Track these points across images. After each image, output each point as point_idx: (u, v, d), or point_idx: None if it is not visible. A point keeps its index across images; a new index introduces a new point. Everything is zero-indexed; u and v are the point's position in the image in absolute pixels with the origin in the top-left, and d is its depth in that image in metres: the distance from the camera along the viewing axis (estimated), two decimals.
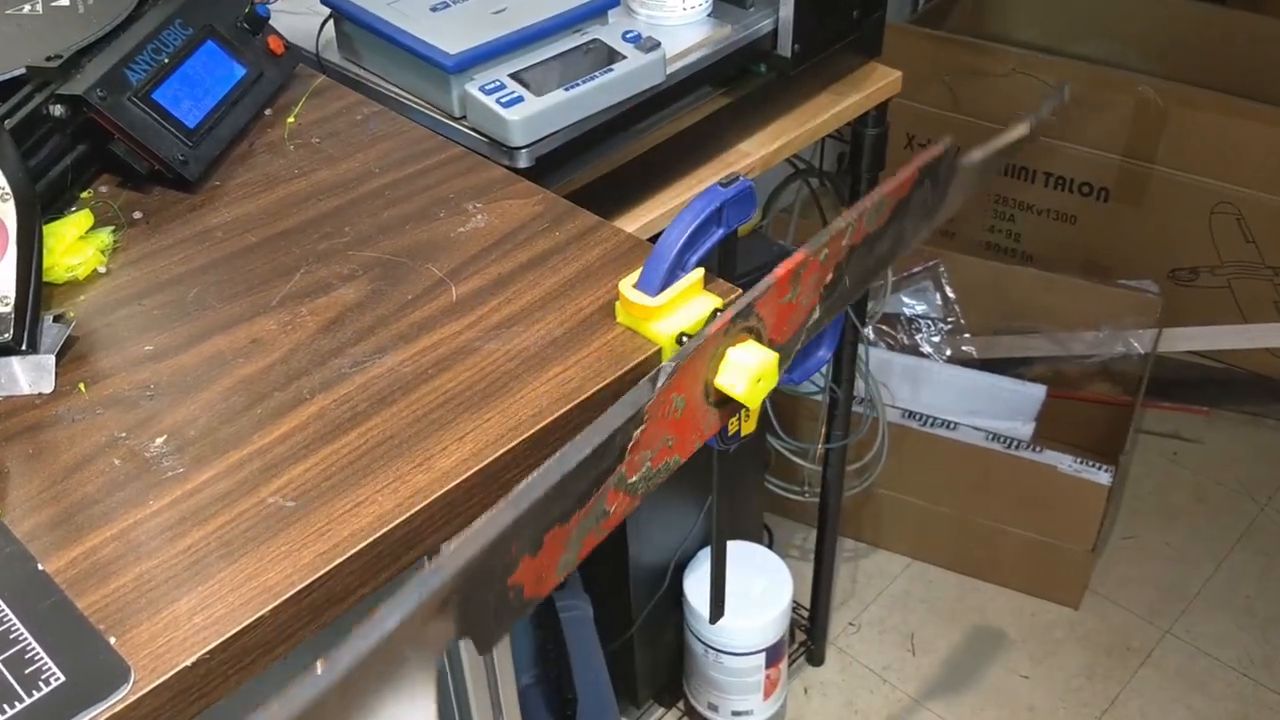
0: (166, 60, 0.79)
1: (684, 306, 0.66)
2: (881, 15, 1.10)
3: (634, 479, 0.55)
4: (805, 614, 1.68)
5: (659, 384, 0.53)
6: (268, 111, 0.85)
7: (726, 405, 0.65)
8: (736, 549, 1.50)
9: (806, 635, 1.69)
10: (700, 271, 0.66)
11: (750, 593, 1.45)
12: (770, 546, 1.79)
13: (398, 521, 0.54)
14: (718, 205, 0.66)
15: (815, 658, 1.70)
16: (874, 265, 0.64)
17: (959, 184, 0.67)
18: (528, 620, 1.35)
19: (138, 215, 0.75)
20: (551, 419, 0.60)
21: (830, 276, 0.62)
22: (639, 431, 0.53)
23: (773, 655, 1.47)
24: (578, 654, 1.32)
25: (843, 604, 1.78)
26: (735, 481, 1.54)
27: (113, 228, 0.73)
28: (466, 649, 0.75)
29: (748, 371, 0.62)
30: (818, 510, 1.57)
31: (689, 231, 0.65)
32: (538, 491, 0.47)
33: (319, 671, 0.40)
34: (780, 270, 0.58)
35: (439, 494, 0.55)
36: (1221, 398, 2.03)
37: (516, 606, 0.49)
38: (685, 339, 0.65)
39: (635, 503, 0.55)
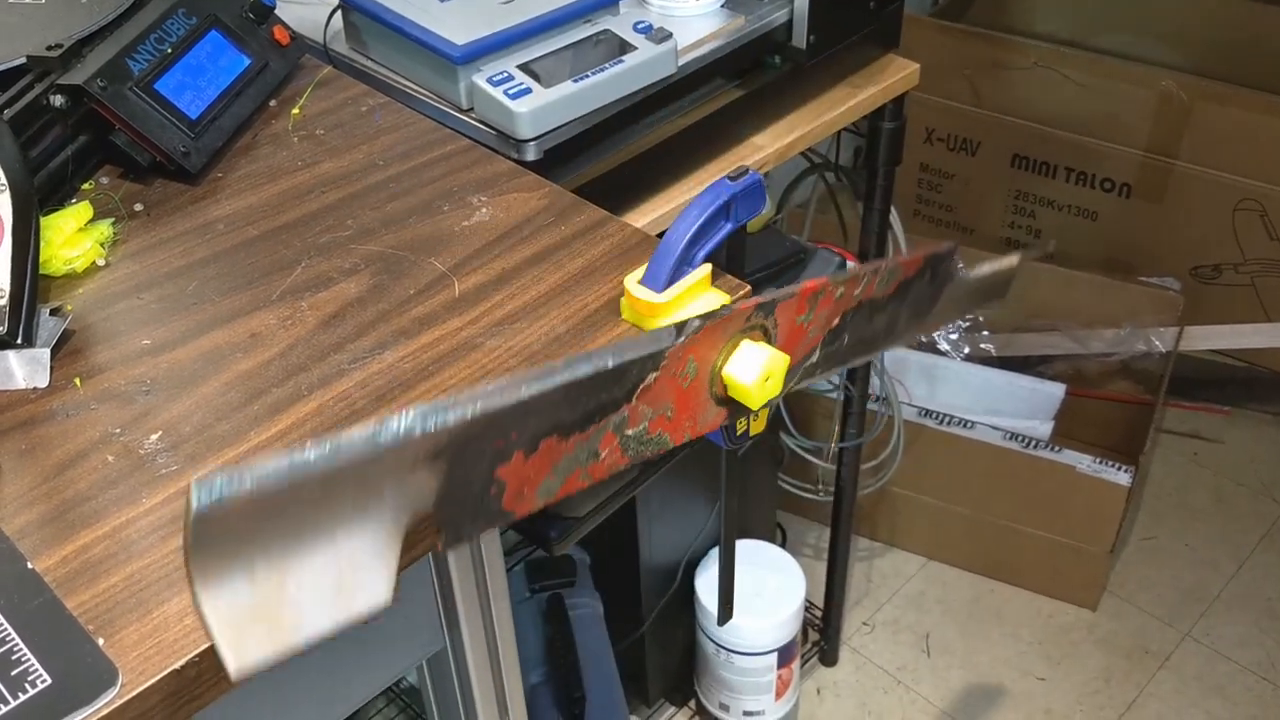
0: (169, 50, 0.78)
1: (690, 303, 0.64)
2: (899, 5, 1.08)
3: (630, 431, 0.54)
4: (818, 614, 1.67)
5: (683, 335, 0.53)
6: (272, 102, 0.84)
7: (729, 404, 0.63)
8: (749, 548, 1.49)
9: (820, 635, 1.68)
10: (707, 267, 0.65)
11: (762, 592, 1.44)
12: (783, 545, 1.77)
13: None
14: (726, 199, 0.64)
15: (828, 658, 1.68)
16: (866, 339, 0.65)
17: (950, 294, 0.68)
18: (537, 617, 1.34)
19: (138, 207, 0.74)
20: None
21: (836, 322, 0.61)
22: (653, 377, 0.52)
23: (785, 655, 1.45)
24: (587, 652, 1.31)
25: (856, 604, 1.76)
26: (748, 480, 1.52)
27: (112, 220, 0.72)
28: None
29: (757, 366, 0.61)
30: (831, 509, 1.55)
31: (695, 226, 0.63)
32: (550, 383, 0.47)
33: (308, 453, 0.40)
34: (806, 285, 0.57)
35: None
36: (1243, 397, 2.00)
37: (494, 509, 0.48)
38: None
39: (621, 463, 0.55)
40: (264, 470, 0.39)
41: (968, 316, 0.70)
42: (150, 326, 0.65)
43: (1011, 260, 0.72)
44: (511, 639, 0.88)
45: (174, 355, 0.63)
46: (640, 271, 0.65)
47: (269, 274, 0.68)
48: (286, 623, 0.42)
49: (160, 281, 0.68)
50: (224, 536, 0.40)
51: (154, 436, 0.58)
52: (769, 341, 0.65)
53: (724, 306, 0.58)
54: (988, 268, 0.71)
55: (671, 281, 0.64)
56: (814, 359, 0.62)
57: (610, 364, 0.49)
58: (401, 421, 0.42)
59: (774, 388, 0.64)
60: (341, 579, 0.43)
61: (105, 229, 0.71)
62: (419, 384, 0.60)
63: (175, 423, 0.58)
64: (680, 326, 0.53)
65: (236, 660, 0.40)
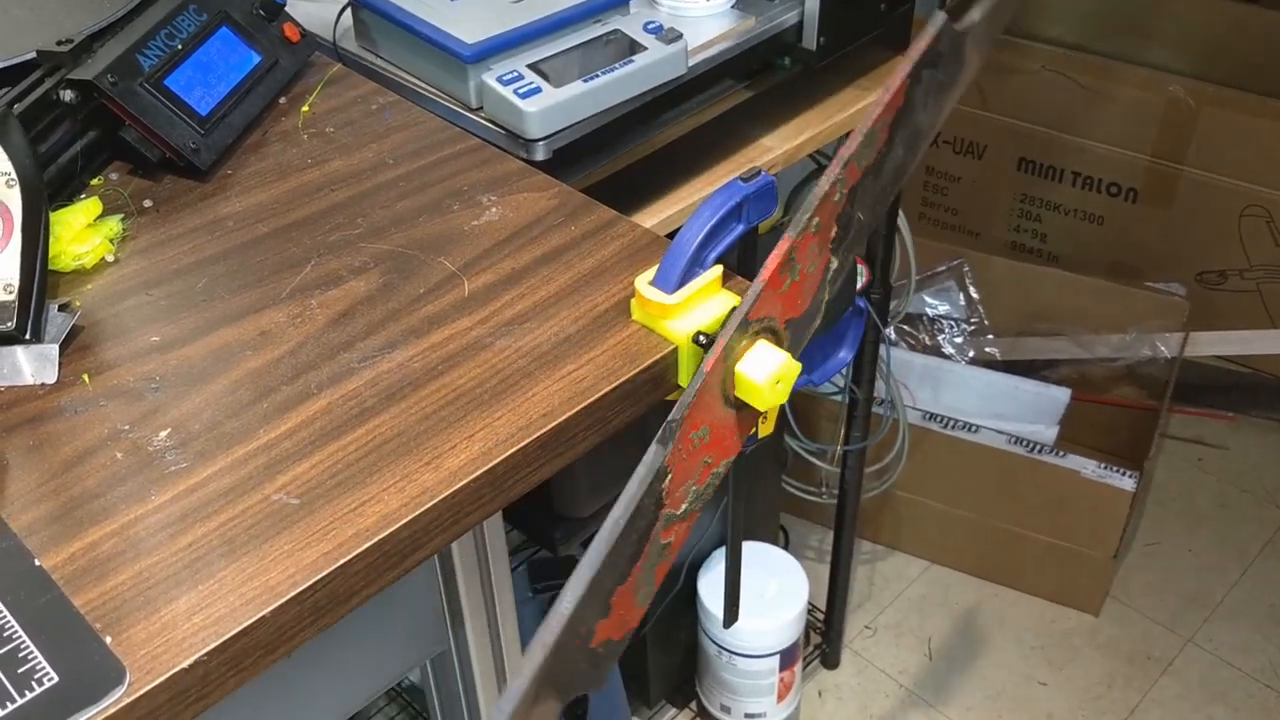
0: (180, 46, 0.78)
1: (701, 304, 0.64)
2: (910, 7, 1.08)
3: (682, 509, 0.56)
4: (821, 616, 1.66)
5: (669, 444, 0.55)
6: (282, 100, 0.84)
7: (746, 409, 0.63)
8: (752, 550, 1.48)
9: (822, 638, 1.67)
10: (719, 269, 0.64)
11: (765, 594, 1.43)
12: (786, 548, 1.77)
13: (404, 522, 0.52)
14: (738, 200, 0.64)
15: (830, 661, 1.68)
16: (894, 173, 0.61)
17: (972, 44, 0.62)
18: (540, 617, 1.34)
19: (148, 203, 0.74)
20: (563, 419, 0.58)
21: (835, 230, 0.59)
22: (667, 483, 0.55)
23: (787, 658, 1.45)
24: None
25: (859, 607, 1.76)
26: (752, 482, 1.52)
27: (122, 216, 0.72)
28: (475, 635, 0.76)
29: (770, 368, 0.60)
30: (835, 512, 1.55)
31: (708, 227, 0.63)
32: (581, 588, 0.52)
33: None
34: (766, 271, 0.56)
35: (446, 494, 0.54)
36: (1248, 403, 2.00)
37: (611, 651, 0.54)
38: (702, 338, 0.63)
39: (692, 521, 0.57)
40: None
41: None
42: (159, 323, 0.65)
43: None
44: (515, 639, 0.87)
45: (183, 352, 0.62)
46: (651, 272, 0.64)
47: (279, 271, 0.68)
48: None
49: (169, 278, 0.68)
50: None
51: (163, 434, 0.58)
52: (779, 344, 0.64)
53: (693, 377, 0.58)
54: None
55: (683, 282, 0.63)
56: (834, 265, 0.61)
57: (619, 531, 0.53)
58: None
59: (783, 393, 0.64)
60: None
61: (114, 225, 0.71)
62: (429, 383, 0.60)
63: (184, 420, 0.58)
64: (664, 435, 0.55)
65: None
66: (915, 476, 1.68)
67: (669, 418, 0.55)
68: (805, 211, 0.56)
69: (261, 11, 0.84)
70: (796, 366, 0.63)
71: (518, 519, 1.14)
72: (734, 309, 0.62)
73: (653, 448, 0.55)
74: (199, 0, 0.81)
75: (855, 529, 1.57)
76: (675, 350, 0.63)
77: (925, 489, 1.73)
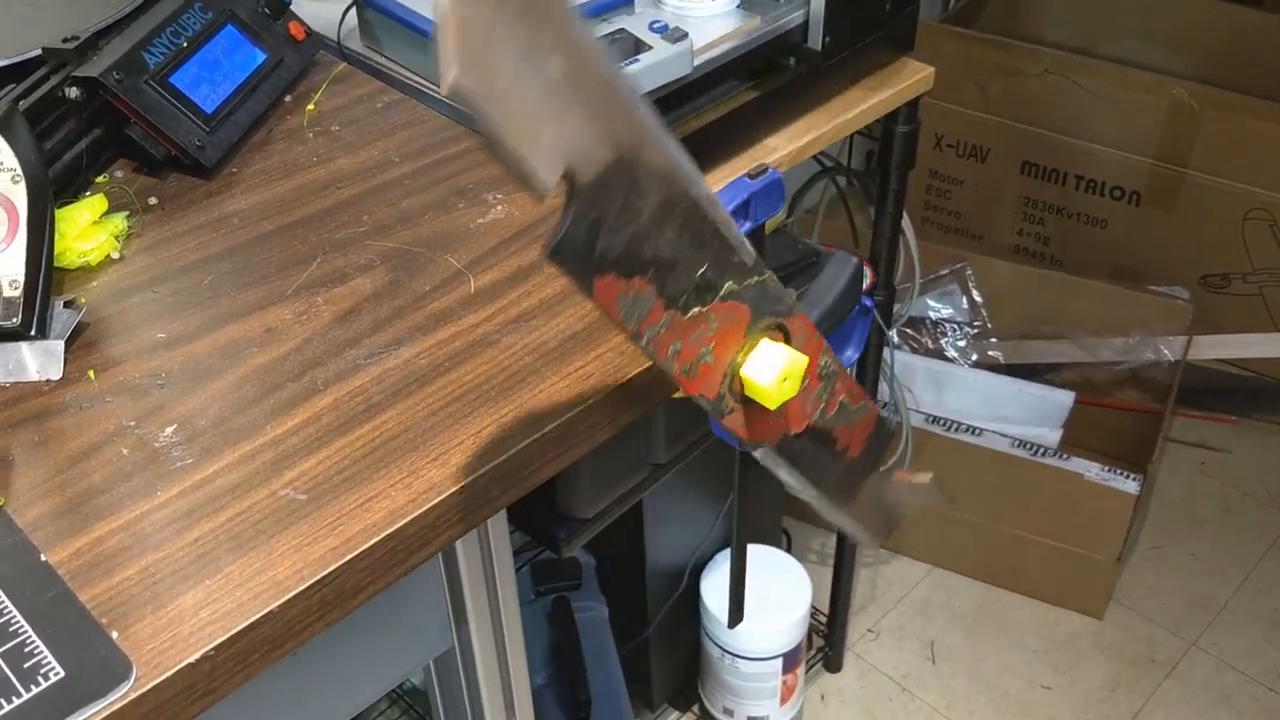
0: (185, 44, 0.78)
1: None
2: (915, 9, 1.08)
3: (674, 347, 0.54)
4: (823, 620, 1.66)
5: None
6: (287, 98, 0.84)
7: (746, 404, 0.63)
8: (755, 552, 1.48)
9: (824, 641, 1.67)
10: None
11: (768, 597, 1.43)
12: (789, 551, 1.77)
13: (411, 517, 0.52)
14: (745, 198, 0.64)
15: (833, 664, 1.68)
16: (811, 463, 0.65)
17: (873, 483, 0.69)
18: (542, 619, 1.34)
19: (153, 201, 0.74)
20: (570, 415, 0.58)
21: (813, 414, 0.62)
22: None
23: (790, 661, 1.45)
24: (593, 655, 1.31)
25: (862, 610, 1.76)
26: (755, 484, 1.51)
27: (127, 213, 0.72)
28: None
29: (776, 366, 0.60)
30: None
31: None
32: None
33: None
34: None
35: (453, 490, 0.54)
36: (1251, 407, 2.00)
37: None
38: None
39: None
40: None
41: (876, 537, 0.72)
42: (165, 320, 0.64)
43: (924, 479, 0.74)
44: (519, 639, 0.87)
45: (189, 349, 0.62)
46: None
47: (284, 269, 0.68)
48: (496, 90, 0.41)
49: (175, 275, 0.68)
50: None
51: (169, 430, 0.57)
52: (788, 342, 0.64)
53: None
54: (907, 478, 0.73)
55: None
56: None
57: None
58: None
59: (791, 389, 0.63)
60: (531, 123, 0.43)
61: (120, 222, 0.71)
62: (436, 379, 0.60)
63: (190, 416, 0.58)
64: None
65: (457, 70, 0.39)
66: None
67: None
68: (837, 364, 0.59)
69: (266, 10, 0.84)
70: (804, 360, 0.63)
71: (521, 519, 1.14)
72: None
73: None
74: None
75: None
76: None
77: None
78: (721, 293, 0.54)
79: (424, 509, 0.53)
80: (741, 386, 0.61)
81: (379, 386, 0.59)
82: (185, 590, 0.50)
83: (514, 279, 0.67)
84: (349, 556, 0.50)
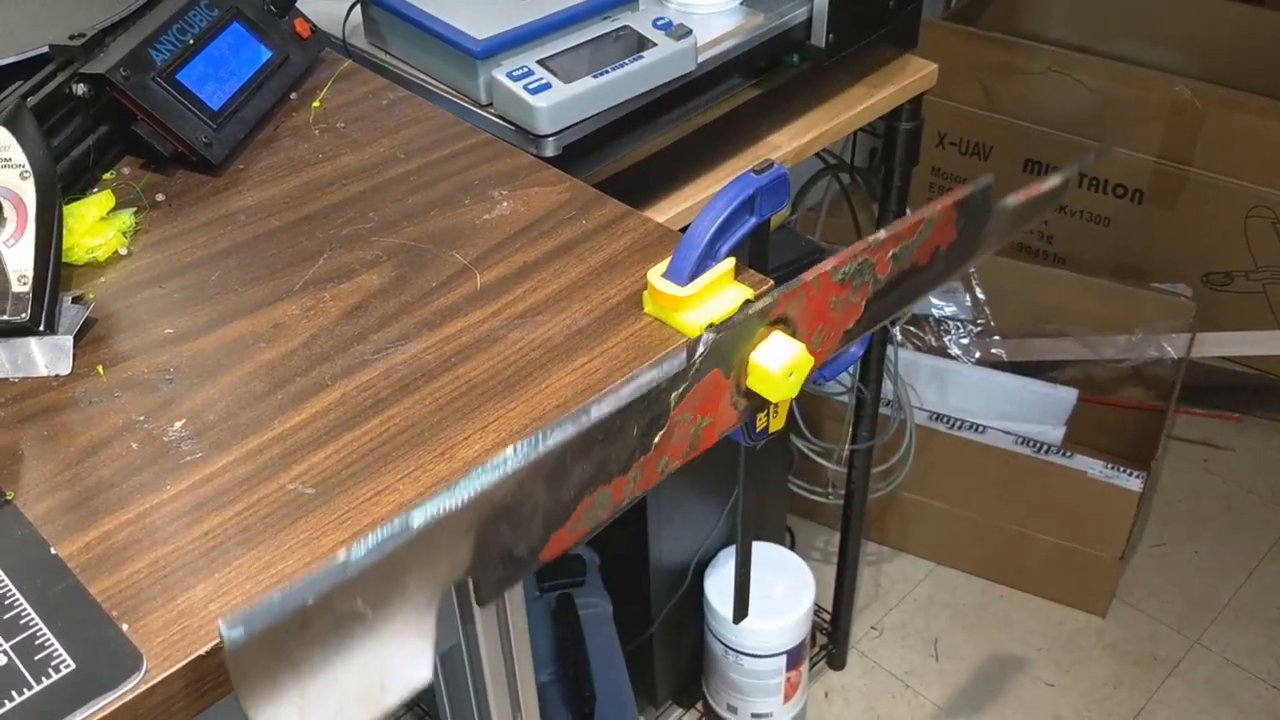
0: (191, 41, 0.78)
1: (714, 297, 0.64)
2: (918, 5, 1.08)
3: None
4: (827, 617, 1.66)
5: (694, 357, 0.53)
6: (293, 95, 0.84)
7: (749, 397, 0.63)
8: (759, 550, 1.48)
9: (828, 639, 1.67)
10: (731, 261, 0.64)
11: (772, 594, 1.43)
12: (792, 548, 1.77)
13: None
14: (751, 193, 0.64)
15: (836, 661, 1.68)
16: (912, 288, 0.64)
17: (993, 226, 0.67)
18: (547, 617, 1.34)
19: (160, 197, 0.74)
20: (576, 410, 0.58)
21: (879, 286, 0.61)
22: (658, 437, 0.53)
23: (794, 658, 1.45)
24: (597, 652, 1.31)
25: (865, 608, 1.76)
26: (758, 482, 1.52)
27: (134, 209, 0.72)
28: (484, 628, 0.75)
29: (784, 358, 0.60)
30: (841, 512, 1.54)
31: (721, 219, 0.63)
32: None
33: (341, 559, 0.41)
34: (824, 270, 0.57)
35: None
36: (1254, 404, 2.00)
37: (531, 559, 0.50)
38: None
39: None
40: (289, 592, 0.41)
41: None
42: (173, 315, 0.65)
43: (1056, 180, 0.70)
44: (525, 634, 0.87)
45: (197, 344, 0.62)
46: (663, 265, 0.64)
47: (291, 265, 0.68)
48: None
49: (182, 271, 0.68)
50: (261, 661, 0.41)
51: (178, 424, 0.58)
52: (794, 337, 0.64)
53: (741, 308, 0.58)
54: (1034, 190, 0.69)
55: (695, 275, 0.63)
56: (859, 323, 0.62)
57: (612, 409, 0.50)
58: (426, 511, 0.44)
59: (795, 385, 0.64)
60: (385, 673, 0.44)
61: (127, 218, 0.71)
62: (442, 374, 0.60)
63: (199, 411, 0.58)
64: (691, 346, 0.54)
65: None
66: (921, 477, 1.68)
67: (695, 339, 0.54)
68: (864, 246, 0.58)
69: (272, 7, 0.84)
70: (810, 360, 0.63)
71: None
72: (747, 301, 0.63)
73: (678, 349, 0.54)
74: None
75: (862, 530, 1.57)
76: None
77: (931, 489, 1.73)
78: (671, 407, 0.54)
79: None
80: (747, 376, 0.61)
81: (386, 382, 0.59)
82: (195, 583, 0.50)
83: (520, 275, 0.68)
84: None
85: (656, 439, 0.53)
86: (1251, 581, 1.77)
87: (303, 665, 0.42)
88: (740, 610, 0.85)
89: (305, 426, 0.57)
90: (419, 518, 0.43)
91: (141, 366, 0.61)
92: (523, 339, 0.63)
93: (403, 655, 0.45)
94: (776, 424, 0.67)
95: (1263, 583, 1.76)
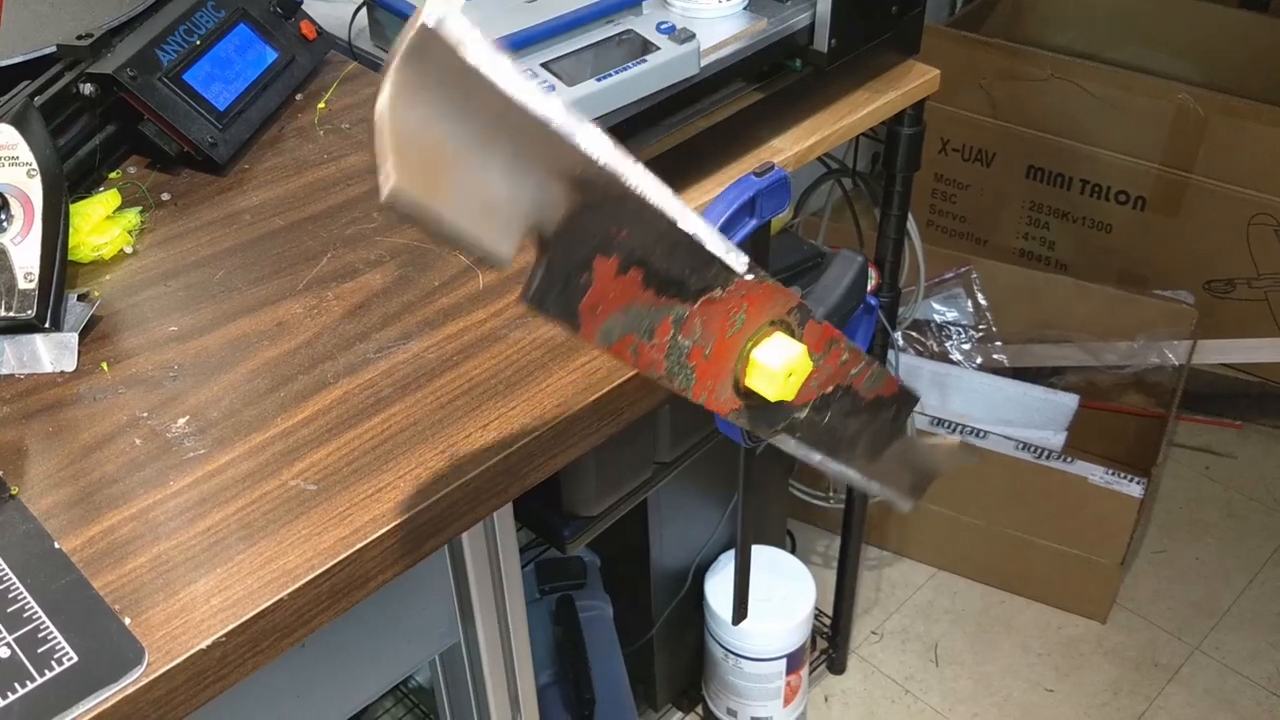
0: (198, 42, 0.78)
1: None
2: (921, 11, 1.09)
3: (681, 340, 0.54)
4: (827, 622, 1.66)
5: (753, 275, 0.53)
6: (298, 96, 0.85)
7: (745, 395, 0.63)
8: (759, 553, 1.49)
9: (828, 643, 1.67)
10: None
11: (772, 598, 1.43)
12: (793, 552, 1.77)
13: (420, 508, 0.53)
14: (751, 195, 0.64)
15: (836, 666, 1.68)
16: (837, 438, 0.65)
17: (897, 448, 0.68)
18: (547, 619, 1.34)
19: (166, 196, 0.75)
20: (577, 409, 0.59)
21: (830, 388, 0.62)
22: (718, 293, 0.53)
23: (794, 662, 1.45)
24: (597, 654, 1.31)
25: (865, 612, 1.76)
26: (759, 485, 1.52)
27: (140, 208, 0.73)
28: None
29: (784, 357, 0.61)
30: (842, 517, 1.55)
31: (721, 220, 0.63)
32: (665, 203, 0.49)
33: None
34: (829, 326, 0.58)
35: (461, 482, 0.54)
36: (1255, 412, 2.00)
37: (574, 303, 0.49)
38: None
39: (659, 369, 0.55)
40: (483, 39, 0.40)
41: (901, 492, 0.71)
42: (177, 314, 0.65)
43: (952, 441, 0.75)
44: (524, 634, 0.88)
45: (201, 342, 0.63)
46: None
47: (295, 264, 0.68)
48: (441, 187, 0.41)
49: (187, 270, 0.69)
50: (428, 70, 0.39)
51: (181, 421, 0.58)
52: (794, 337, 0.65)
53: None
54: (932, 442, 0.73)
55: None
56: (803, 414, 0.63)
57: (708, 233, 0.51)
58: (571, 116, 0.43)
59: (794, 385, 0.64)
60: (485, 205, 0.43)
61: (133, 217, 0.72)
62: (444, 373, 0.60)
63: (203, 408, 0.59)
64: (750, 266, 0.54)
65: (396, 177, 0.39)
66: None
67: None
68: (850, 344, 0.59)
69: (278, 9, 0.85)
70: (809, 364, 0.64)
71: (526, 517, 1.14)
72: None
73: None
74: None
75: (862, 534, 1.57)
76: None
77: (932, 494, 1.73)
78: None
79: (432, 500, 0.53)
80: (745, 374, 0.61)
81: (388, 380, 0.60)
82: (197, 578, 0.51)
83: (521, 274, 0.68)
84: (359, 546, 0.51)
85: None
86: (1252, 588, 1.77)
87: (444, 107, 0.40)
88: (739, 612, 0.86)
89: (308, 424, 0.57)
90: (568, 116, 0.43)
91: (146, 364, 0.62)
92: (524, 338, 0.63)
93: (499, 216, 0.43)
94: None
95: (1264, 589, 1.76)
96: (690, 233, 0.51)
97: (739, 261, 0.53)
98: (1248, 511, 1.88)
